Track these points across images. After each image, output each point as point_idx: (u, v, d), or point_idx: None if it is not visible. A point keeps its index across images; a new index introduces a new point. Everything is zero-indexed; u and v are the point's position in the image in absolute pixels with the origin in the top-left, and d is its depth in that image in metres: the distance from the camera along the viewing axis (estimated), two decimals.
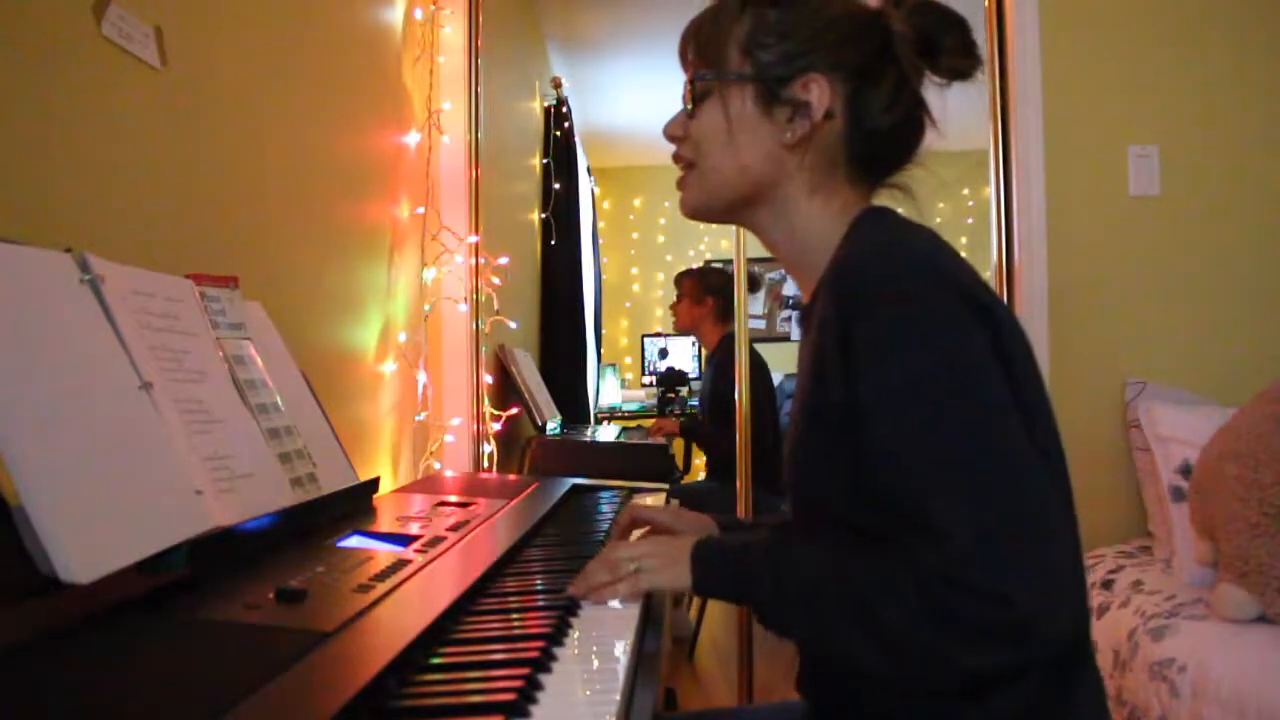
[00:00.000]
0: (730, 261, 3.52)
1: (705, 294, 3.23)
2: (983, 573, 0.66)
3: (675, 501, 1.49)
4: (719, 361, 3.16)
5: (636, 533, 1.06)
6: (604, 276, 5.74)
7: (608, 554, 0.86)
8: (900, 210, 0.89)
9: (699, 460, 4.38)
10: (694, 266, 3.90)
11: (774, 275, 5.92)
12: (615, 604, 0.85)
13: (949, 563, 0.66)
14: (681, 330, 3.41)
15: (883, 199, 0.92)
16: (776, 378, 3.26)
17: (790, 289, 6.26)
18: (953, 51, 0.84)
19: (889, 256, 0.77)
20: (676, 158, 0.94)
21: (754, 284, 3.22)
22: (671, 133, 0.93)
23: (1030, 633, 0.66)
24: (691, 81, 0.89)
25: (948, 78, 0.85)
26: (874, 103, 0.85)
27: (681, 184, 0.94)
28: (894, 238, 0.81)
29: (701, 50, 0.90)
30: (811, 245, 0.88)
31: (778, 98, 0.85)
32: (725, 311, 3.16)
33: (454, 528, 1.03)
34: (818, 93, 0.84)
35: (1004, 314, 0.77)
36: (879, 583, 0.71)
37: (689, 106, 0.90)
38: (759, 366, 3.15)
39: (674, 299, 3.44)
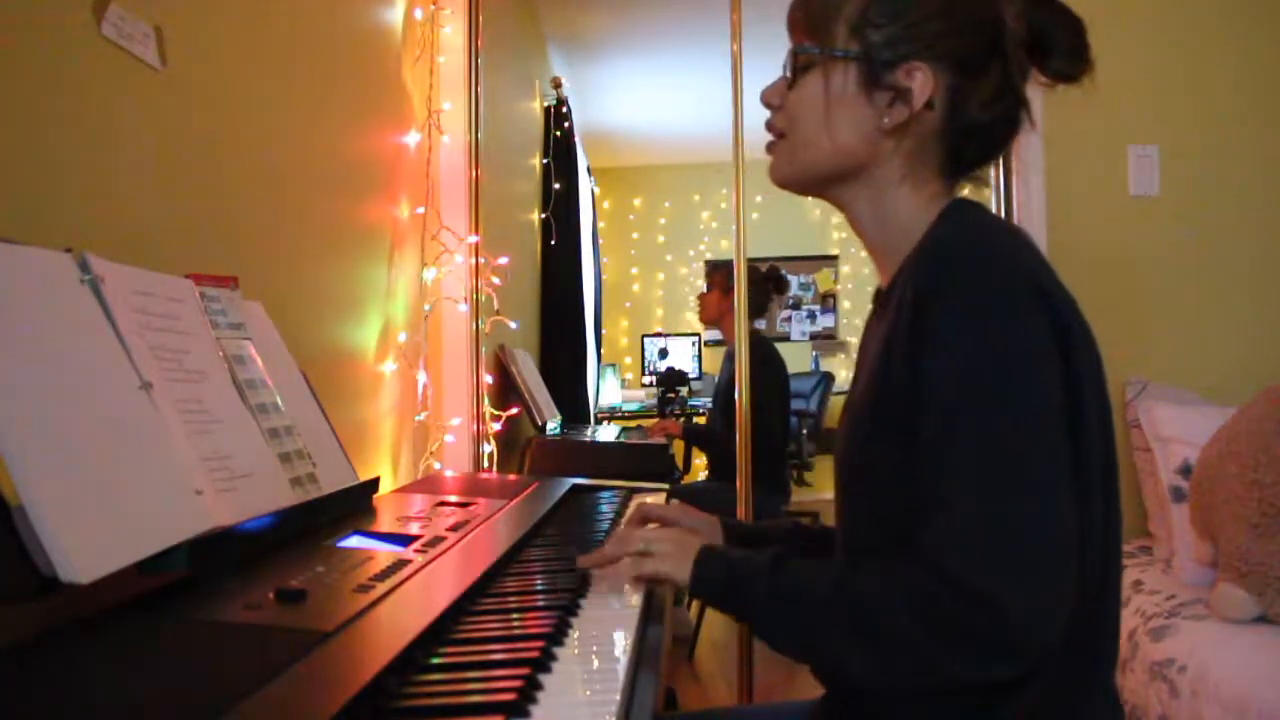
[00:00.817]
0: (730, 261, 3.53)
1: (732, 287, 3.23)
2: (977, 573, 0.66)
3: (676, 502, 1.50)
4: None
5: (650, 527, 1.06)
6: (604, 276, 5.74)
7: (621, 533, 0.90)
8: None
9: (699, 460, 4.39)
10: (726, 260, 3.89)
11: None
12: (614, 601, 0.85)
13: (954, 561, 0.67)
14: (706, 321, 3.41)
15: (963, 189, 0.92)
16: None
17: (791, 289, 6.27)
18: (1063, 53, 0.84)
19: (973, 249, 0.77)
20: (770, 125, 0.92)
21: (781, 285, 3.22)
22: (768, 99, 0.91)
23: (1020, 645, 0.66)
24: (795, 52, 0.88)
25: (1053, 79, 0.85)
26: (974, 98, 0.84)
27: (771, 151, 0.93)
28: (982, 233, 0.80)
29: (811, 21, 0.88)
30: (897, 230, 0.87)
31: (880, 81, 0.84)
32: (753, 309, 3.16)
33: (454, 528, 1.03)
34: (921, 81, 0.83)
35: (1075, 321, 0.76)
36: (877, 585, 0.71)
37: (789, 76, 0.89)
38: (775, 366, 3.16)
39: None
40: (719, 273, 3.35)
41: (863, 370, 0.90)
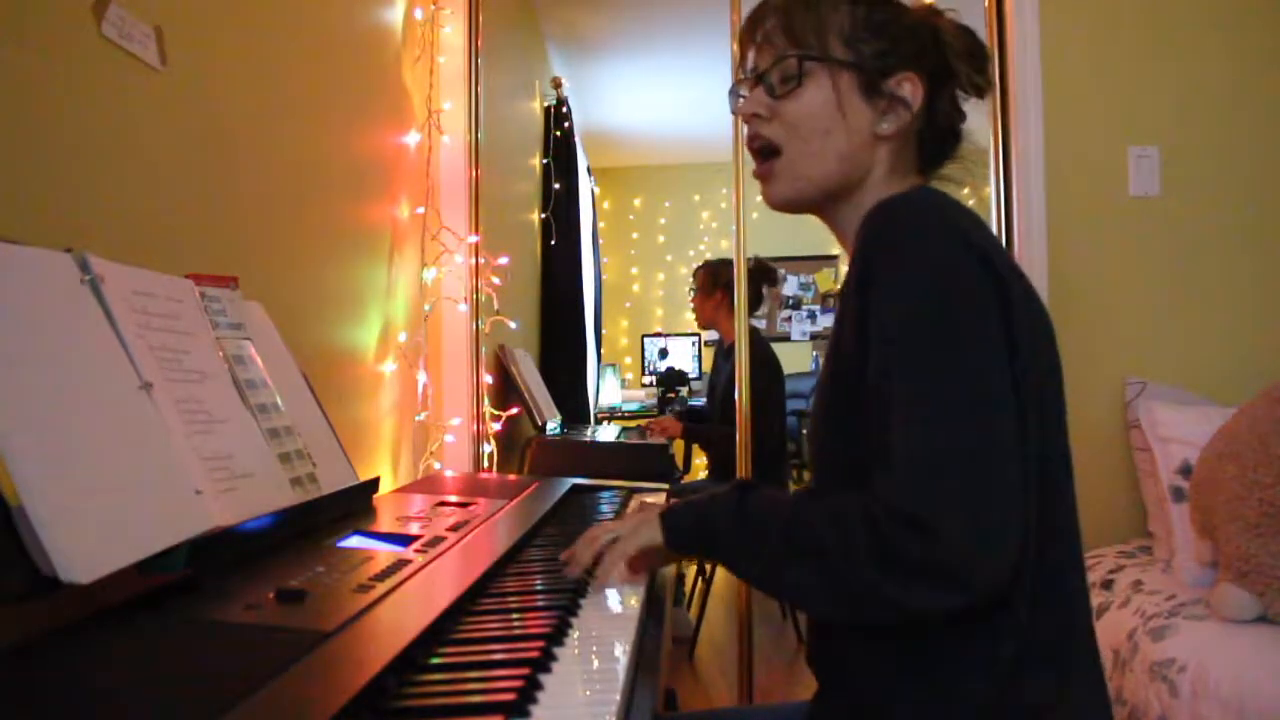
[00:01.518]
0: (709, 261, 3.52)
1: (715, 287, 3.23)
2: (917, 505, 0.68)
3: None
4: (734, 358, 3.15)
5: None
6: (604, 276, 5.74)
7: (587, 533, 0.93)
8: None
9: (699, 460, 4.39)
10: (709, 260, 3.89)
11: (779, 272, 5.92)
12: (614, 601, 0.85)
13: (893, 491, 0.70)
14: (703, 325, 3.41)
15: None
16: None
17: (790, 289, 6.26)
18: (980, 70, 0.92)
19: (920, 208, 0.80)
20: (755, 139, 0.92)
21: (771, 278, 3.21)
22: (754, 110, 0.91)
23: (959, 570, 0.68)
24: (797, 60, 0.88)
25: (975, 93, 0.93)
26: (942, 106, 0.92)
27: (766, 173, 0.93)
28: (923, 198, 0.83)
29: (798, 32, 0.90)
30: None
31: (877, 89, 0.89)
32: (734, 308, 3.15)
33: (454, 528, 1.03)
34: (911, 89, 0.89)
35: (1021, 296, 0.78)
36: (828, 517, 0.75)
37: (777, 89, 0.89)
38: (771, 365, 3.15)
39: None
40: (699, 274, 3.35)
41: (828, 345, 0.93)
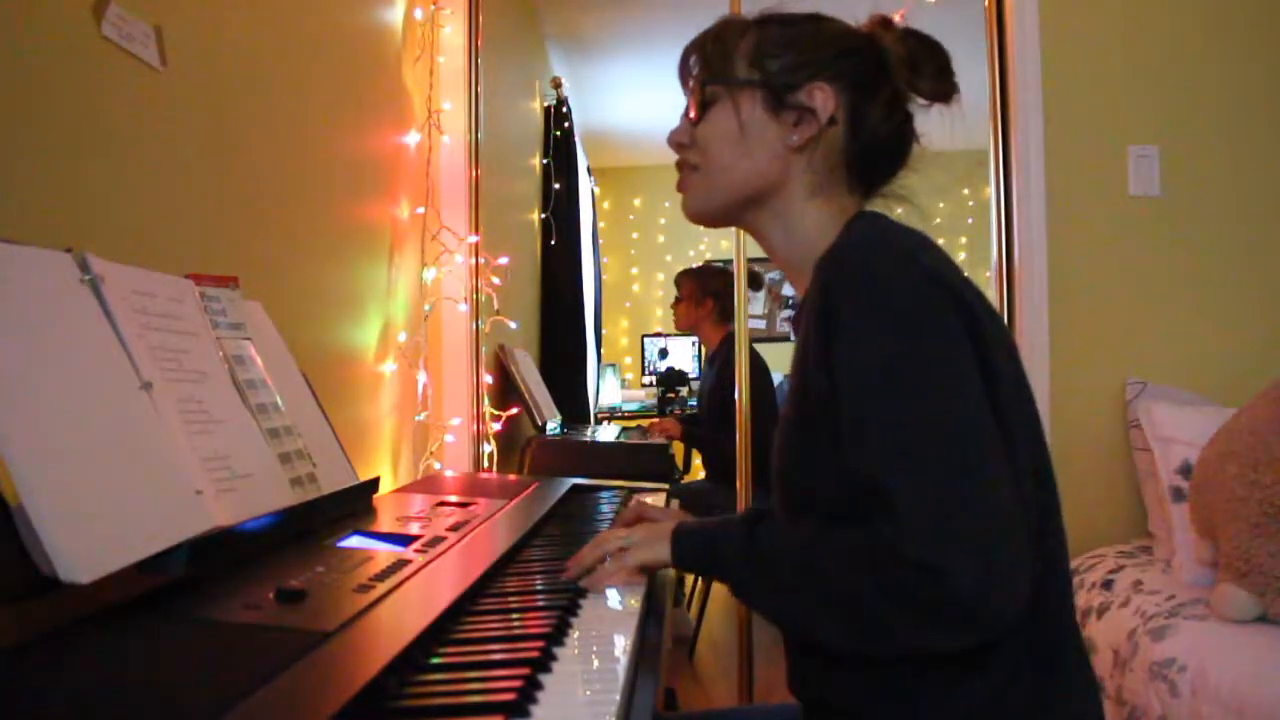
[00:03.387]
0: (730, 261, 3.52)
1: (705, 295, 3.23)
2: (927, 553, 0.68)
3: (675, 502, 1.50)
4: (720, 362, 3.15)
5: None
6: (604, 276, 5.74)
7: (597, 538, 0.93)
8: (899, 213, 0.94)
9: (699, 460, 4.39)
10: (693, 266, 3.89)
11: (774, 275, 5.92)
12: (615, 601, 0.85)
13: (900, 540, 0.69)
14: (682, 329, 3.41)
15: (877, 206, 0.96)
16: (776, 378, 3.26)
17: (790, 289, 6.27)
18: (931, 75, 0.90)
19: (873, 247, 0.81)
20: (681, 164, 0.97)
21: (755, 282, 3.21)
22: (678, 140, 0.97)
23: (971, 614, 0.68)
24: (701, 88, 0.93)
25: (926, 98, 0.92)
26: (871, 113, 0.90)
27: (684, 186, 0.97)
28: (881, 233, 0.85)
29: (708, 62, 0.94)
30: (808, 246, 0.91)
31: (785, 103, 0.90)
32: (726, 312, 3.15)
33: (454, 528, 1.03)
34: (822, 98, 0.89)
35: (985, 313, 0.79)
36: (840, 557, 0.75)
37: (693, 115, 0.94)
38: (760, 368, 3.15)
39: (674, 299, 3.43)
40: (686, 281, 3.34)
41: (790, 378, 0.93)
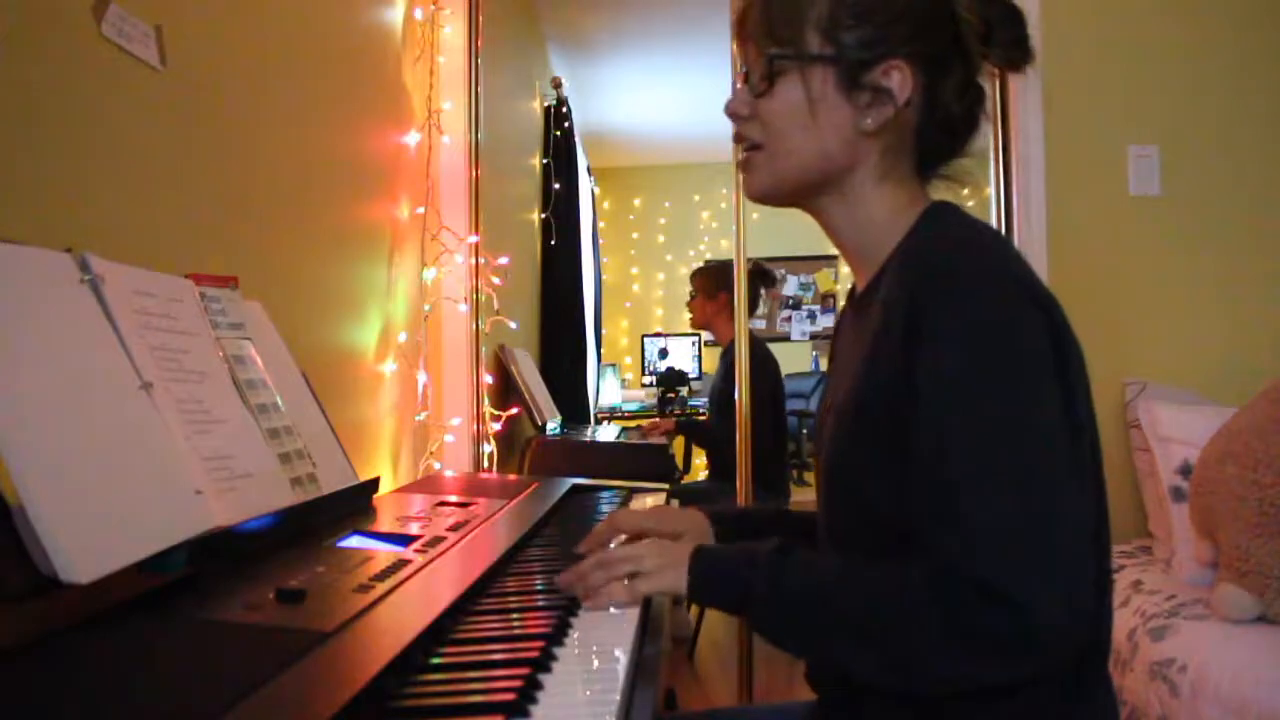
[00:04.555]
0: (707, 264, 3.52)
1: (719, 290, 3.23)
2: (1002, 574, 0.65)
3: (675, 503, 1.49)
4: (730, 359, 3.16)
5: (620, 536, 0.99)
6: (604, 276, 5.74)
7: (604, 556, 0.85)
8: (970, 205, 0.90)
9: (699, 460, 4.38)
10: (709, 262, 3.88)
11: (775, 274, 5.91)
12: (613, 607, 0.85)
13: (973, 563, 0.66)
14: (696, 327, 3.41)
15: (936, 190, 0.92)
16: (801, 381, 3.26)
17: (790, 289, 6.27)
18: (1008, 43, 0.85)
19: (964, 251, 0.77)
20: (739, 137, 0.90)
21: (769, 280, 3.21)
22: (736, 110, 0.89)
23: (1040, 646, 0.65)
24: (770, 59, 0.85)
25: (1003, 68, 0.87)
26: (946, 92, 0.85)
27: (746, 166, 0.90)
28: (972, 238, 0.81)
29: (773, 29, 0.86)
30: (876, 232, 0.87)
31: (858, 82, 0.83)
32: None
33: (454, 528, 1.03)
34: (899, 79, 0.83)
35: (1064, 322, 0.77)
36: (888, 589, 0.71)
37: (758, 88, 0.87)
38: (770, 367, 3.15)
39: (682, 296, 3.43)
40: (700, 278, 3.35)
41: (843, 372, 0.89)
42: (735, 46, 0.91)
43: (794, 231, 6.24)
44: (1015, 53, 0.86)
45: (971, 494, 0.68)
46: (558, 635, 0.72)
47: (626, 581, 0.82)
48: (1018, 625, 0.65)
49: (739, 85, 0.91)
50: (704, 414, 4.31)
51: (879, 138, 0.85)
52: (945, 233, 0.82)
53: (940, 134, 0.88)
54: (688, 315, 3.44)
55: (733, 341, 3.15)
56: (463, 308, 2.30)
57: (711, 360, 5.87)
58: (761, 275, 3.15)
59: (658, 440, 3.16)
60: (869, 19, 0.83)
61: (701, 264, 3.60)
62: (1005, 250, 0.79)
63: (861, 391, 0.80)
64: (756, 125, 0.88)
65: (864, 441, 0.80)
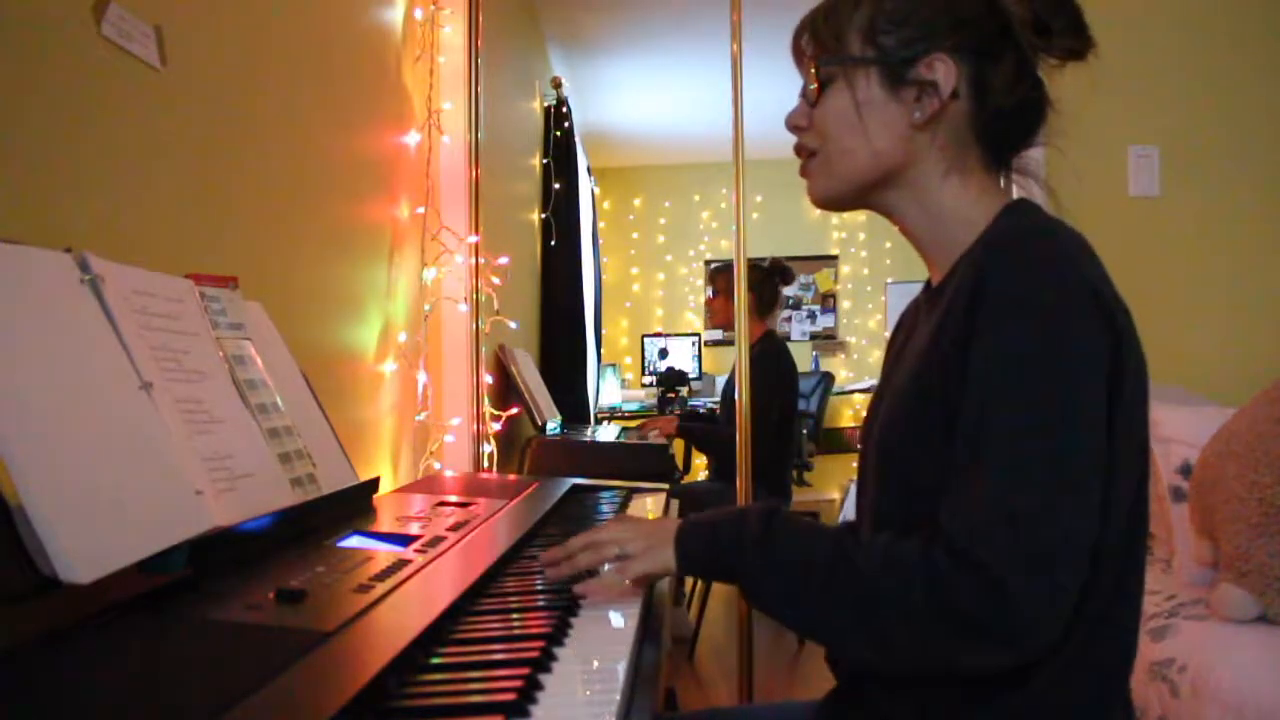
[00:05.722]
0: (730, 261, 3.52)
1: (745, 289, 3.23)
2: (999, 560, 0.66)
3: (675, 503, 1.49)
4: (753, 358, 3.15)
5: (610, 522, 1.03)
6: (604, 276, 5.74)
7: (590, 536, 0.87)
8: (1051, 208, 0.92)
9: (699, 460, 4.39)
10: (727, 261, 3.88)
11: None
12: (614, 600, 0.85)
13: (970, 539, 0.67)
14: (717, 326, 3.40)
15: (1012, 183, 0.93)
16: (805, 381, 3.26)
17: (791, 289, 6.26)
18: (1064, 30, 0.86)
19: (1035, 245, 0.78)
20: (799, 149, 0.93)
21: (787, 277, 3.21)
22: (795, 123, 0.92)
23: (1023, 636, 0.66)
24: (815, 69, 0.89)
25: (1062, 57, 0.88)
26: (996, 82, 0.86)
27: (806, 173, 0.93)
28: (1046, 232, 0.81)
29: (821, 41, 0.90)
30: (950, 226, 0.88)
31: (903, 79, 0.86)
32: (763, 308, 3.16)
33: (454, 528, 1.03)
34: (943, 71, 0.85)
35: (1129, 330, 0.77)
36: (882, 564, 0.72)
37: (811, 97, 0.90)
38: (786, 367, 3.15)
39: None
40: (723, 278, 3.34)
41: (904, 359, 0.90)
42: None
43: (794, 231, 6.26)
44: (1073, 41, 0.86)
45: (991, 477, 0.69)
46: (558, 635, 0.72)
47: (616, 567, 0.84)
48: (1000, 612, 0.66)
49: (799, 101, 0.93)
50: (705, 410, 4.31)
51: (933, 131, 0.87)
52: (1017, 225, 0.83)
53: (999, 123, 0.88)
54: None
55: (758, 340, 3.14)
56: (463, 308, 2.30)
57: (711, 360, 5.88)
58: (781, 272, 3.15)
59: (657, 440, 3.15)
60: (910, 20, 0.86)
61: (719, 263, 3.60)
62: (1080, 249, 0.80)
63: (924, 371, 0.81)
64: (813, 134, 0.91)
65: (916, 427, 0.81)
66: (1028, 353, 0.72)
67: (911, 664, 0.73)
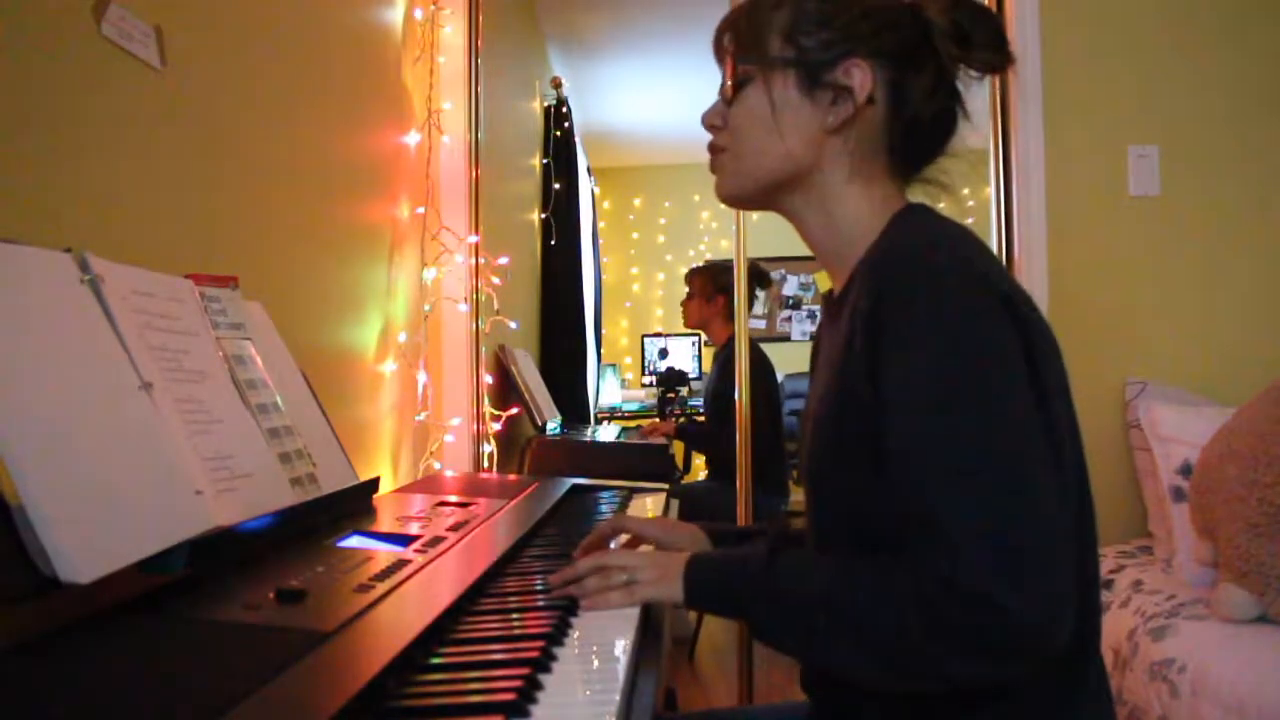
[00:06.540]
0: (703, 265, 3.52)
1: (716, 292, 3.23)
2: (980, 578, 0.65)
3: (675, 503, 1.49)
4: (724, 360, 3.15)
5: (623, 537, 1.03)
6: (604, 276, 5.73)
7: (600, 560, 0.86)
8: (940, 205, 0.90)
9: (699, 460, 4.38)
10: (705, 262, 3.89)
11: (775, 275, 5.91)
12: None
13: (952, 567, 0.66)
14: (690, 327, 3.41)
15: (915, 194, 0.92)
16: (778, 377, 3.26)
17: (790, 289, 6.26)
18: (984, 45, 0.86)
19: (933, 255, 0.77)
20: (713, 147, 0.93)
21: (764, 280, 3.22)
22: (710, 121, 0.93)
23: (1022, 646, 0.66)
24: (733, 68, 0.89)
25: (981, 70, 0.87)
26: (914, 91, 0.86)
27: (716, 168, 0.93)
28: (935, 236, 0.81)
29: (741, 40, 0.90)
30: (848, 234, 0.88)
31: (820, 82, 0.85)
32: (735, 310, 3.15)
33: (454, 528, 1.03)
34: (859, 77, 0.84)
35: (1036, 318, 0.77)
36: (878, 592, 0.71)
37: (727, 95, 0.90)
38: (763, 367, 3.15)
39: (682, 297, 3.43)
40: (697, 277, 3.34)
41: (819, 377, 0.90)
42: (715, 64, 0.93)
43: (794, 231, 6.25)
44: (993, 54, 0.86)
45: (945, 498, 0.68)
46: (558, 635, 0.72)
47: (624, 589, 0.83)
48: (999, 627, 0.65)
49: (716, 99, 0.93)
50: (703, 414, 4.31)
51: (845, 136, 0.86)
52: (908, 235, 0.82)
53: (911, 133, 0.88)
54: (683, 314, 3.44)
55: (727, 343, 3.16)
56: (463, 308, 2.30)
57: (711, 361, 5.87)
58: (758, 276, 3.14)
59: (657, 441, 3.15)
60: (830, 23, 0.86)
61: (699, 264, 3.59)
62: (968, 247, 0.79)
63: (833, 402, 0.81)
64: (726, 133, 0.91)
65: (839, 451, 0.81)
66: (944, 372, 0.71)
67: (923, 686, 0.72)
